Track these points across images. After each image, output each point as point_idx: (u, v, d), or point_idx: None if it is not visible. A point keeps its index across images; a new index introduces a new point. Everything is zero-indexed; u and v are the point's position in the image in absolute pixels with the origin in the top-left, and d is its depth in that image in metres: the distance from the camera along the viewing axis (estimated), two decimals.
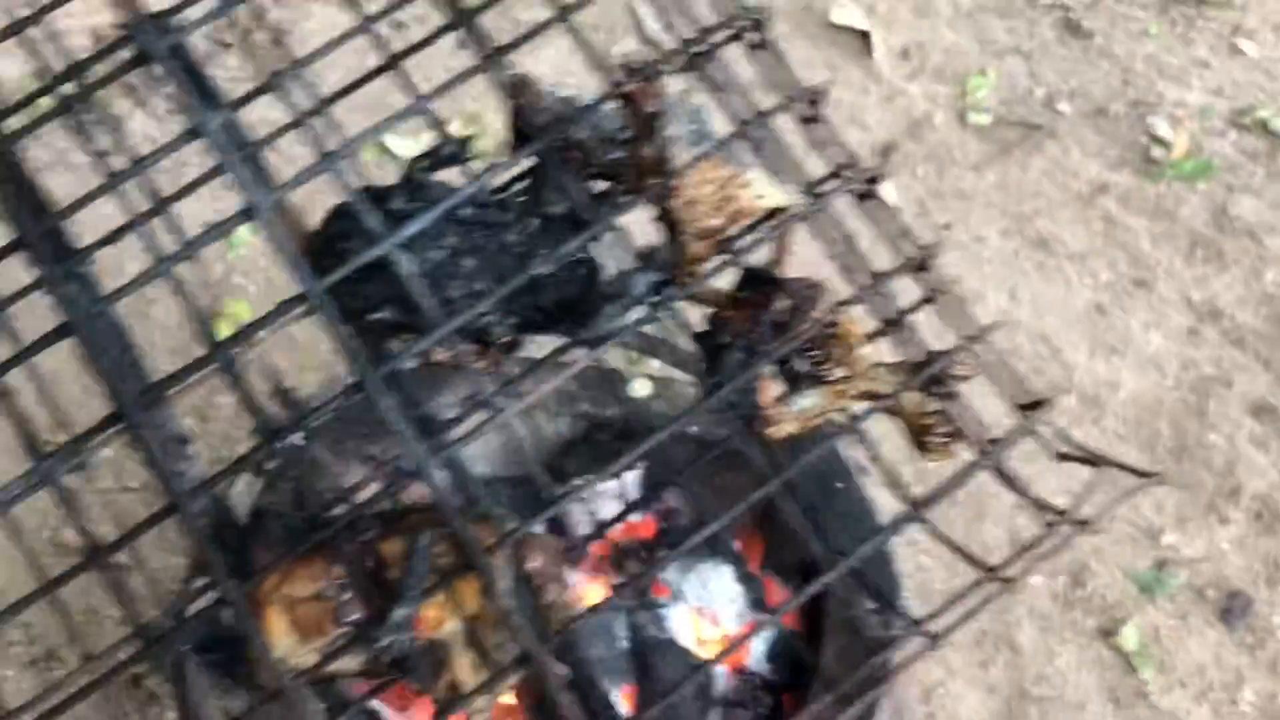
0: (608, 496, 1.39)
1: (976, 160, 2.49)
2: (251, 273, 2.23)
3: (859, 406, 0.81)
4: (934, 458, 0.81)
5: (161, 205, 0.69)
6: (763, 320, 0.74)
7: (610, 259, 0.72)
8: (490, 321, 0.67)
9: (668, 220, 0.73)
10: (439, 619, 0.72)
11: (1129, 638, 1.84)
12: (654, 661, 1.28)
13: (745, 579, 1.34)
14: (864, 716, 1.20)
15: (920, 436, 0.81)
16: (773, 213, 0.74)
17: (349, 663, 0.70)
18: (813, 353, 0.77)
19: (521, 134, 0.70)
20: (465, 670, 0.70)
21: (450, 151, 0.70)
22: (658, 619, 1.28)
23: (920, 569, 1.89)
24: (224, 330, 2.36)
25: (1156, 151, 2.49)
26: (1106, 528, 1.76)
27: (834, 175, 0.83)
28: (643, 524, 1.44)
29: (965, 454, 0.85)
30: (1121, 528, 1.97)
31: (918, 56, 2.57)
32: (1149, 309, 2.27)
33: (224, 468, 0.67)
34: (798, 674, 1.33)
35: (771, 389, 0.76)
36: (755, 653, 1.35)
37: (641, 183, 0.70)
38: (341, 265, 0.63)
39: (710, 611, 1.33)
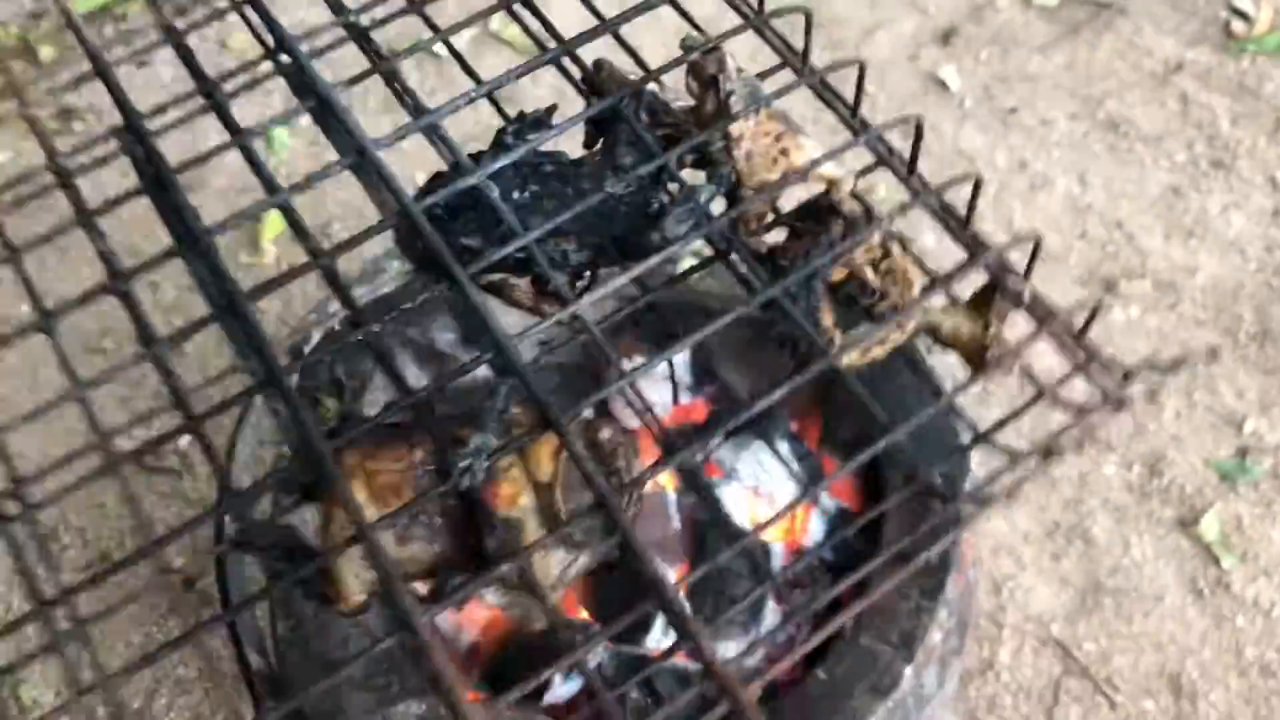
0: (656, 379, 1.33)
1: (1043, 41, 2.37)
2: (293, 177, 2.18)
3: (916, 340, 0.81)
4: (990, 377, 0.78)
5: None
6: (821, 243, 0.75)
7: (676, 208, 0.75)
8: (567, 249, 0.72)
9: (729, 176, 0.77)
10: (513, 494, 0.71)
11: (1209, 527, 1.76)
12: (707, 541, 1.22)
13: (802, 457, 1.27)
14: (932, 590, 1.14)
15: (976, 359, 0.79)
16: (827, 183, 0.77)
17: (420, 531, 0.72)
18: (869, 290, 0.78)
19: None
20: (538, 541, 0.70)
21: (535, 118, 0.76)
22: (711, 499, 1.22)
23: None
24: (268, 235, 2.28)
25: (1237, 25, 2.35)
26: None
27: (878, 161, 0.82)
28: (694, 407, 1.38)
29: (1023, 326, 0.78)
30: (1202, 416, 1.88)
31: None
32: (1228, 190, 2.15)
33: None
34: (860, 557, 1.27)
35: (831, 314, 0.76)
36: (814, 533, 1.29)
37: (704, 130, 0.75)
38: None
39: (766, 491, 1.27)
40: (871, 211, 0.77)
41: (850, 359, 0.75)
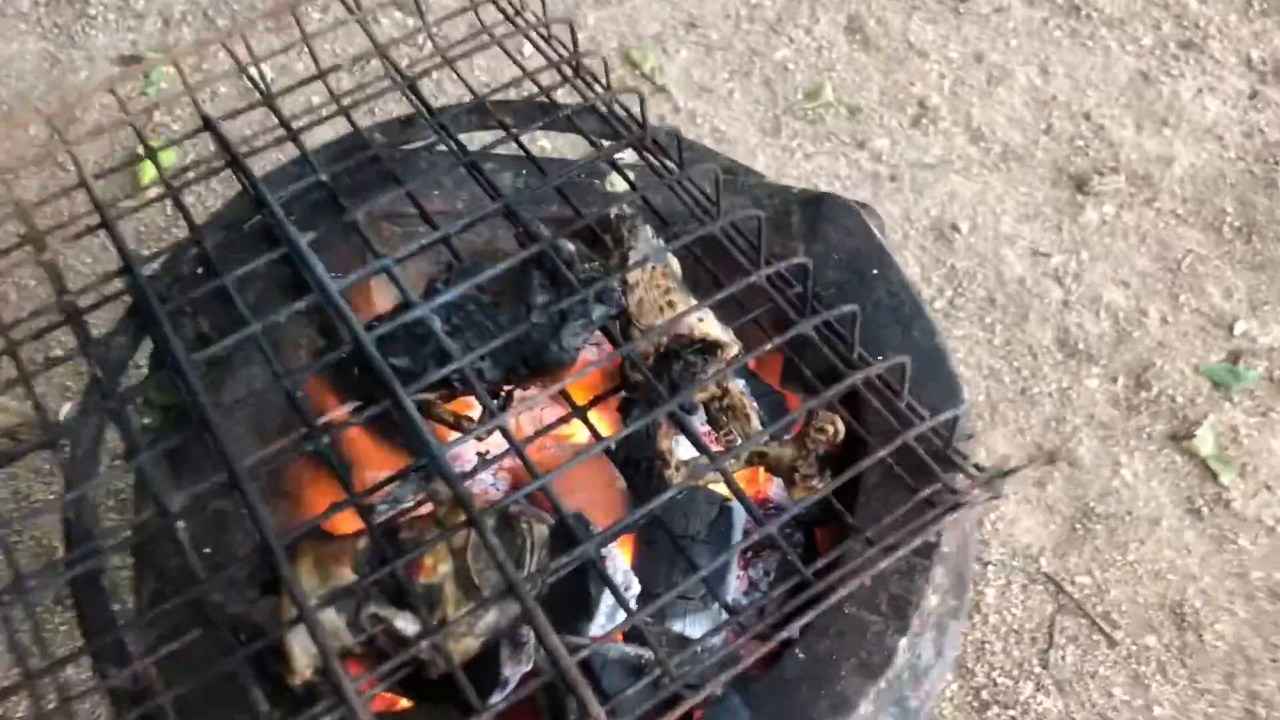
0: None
1: None
2: (174, 110, 1.94)
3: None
4: (798, 493, 0.90)
5: None
6: (662, 382, 0.89)
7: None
8: (483, 368, 0.86)
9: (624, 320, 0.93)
10: (433, 564, 0.82)
11: (1204, 441, 1.61)
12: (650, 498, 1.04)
13: (762, 394, 1.09)
14: (925, 546, 0.97)
15: (788, 478, 0.92)
16: (709, 344, 0.90)
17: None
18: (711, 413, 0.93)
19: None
20: (453, 605, 0.81)
21: (463, 267, 0.91)
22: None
23: None
24: (147, 176, 1.99)
25: None
26: None
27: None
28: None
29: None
30: (1189, 319, 1.72)
31: None
32: (1201, 73, 1.98)
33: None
34: (832, 509, 1.10)
35: (668, 440, 0.92)
36: (780, 488, 1.11)
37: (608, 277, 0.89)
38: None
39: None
40: (709, 343, 0.89)
41: (680, 479, 0.87)
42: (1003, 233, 1.80)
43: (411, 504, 0.84)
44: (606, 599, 0.97)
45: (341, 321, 0.82)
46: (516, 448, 0.83)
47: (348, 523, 0.85)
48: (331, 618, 0.80)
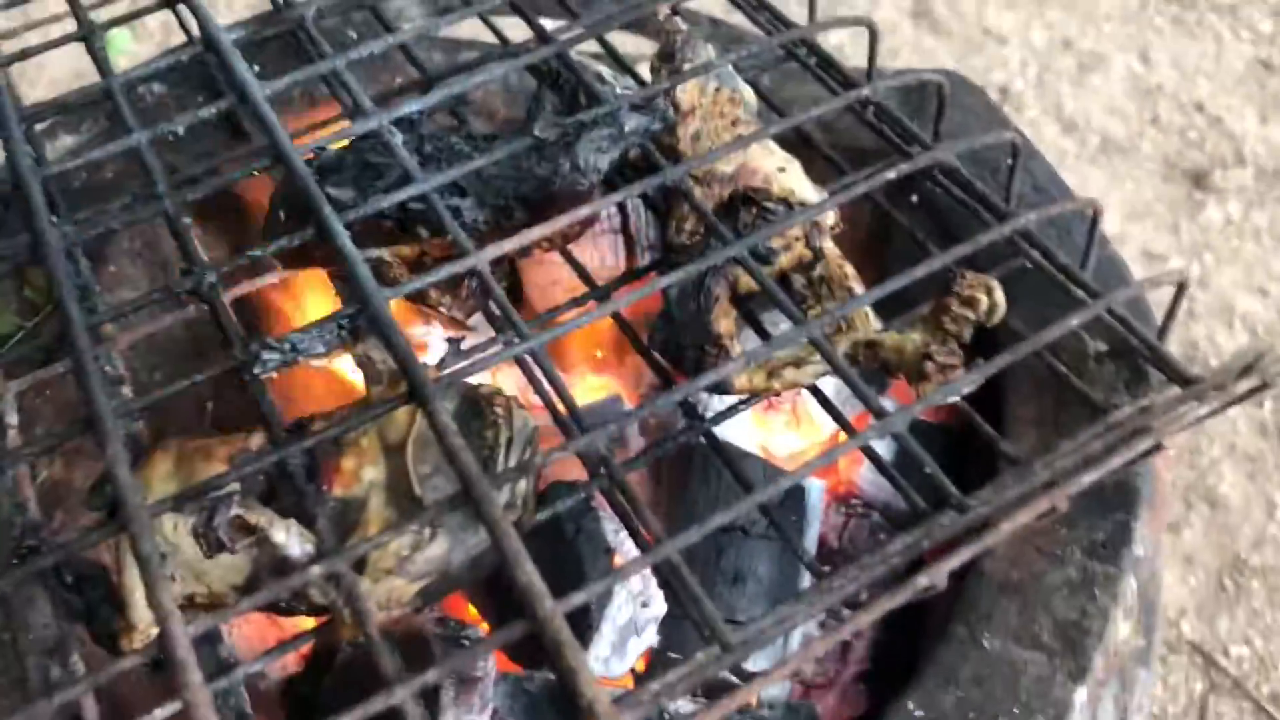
0: (602, 231, 0.83)
1: None
2: None
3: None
4: (928, 387, 0.54)
5: None
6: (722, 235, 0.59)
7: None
8: (460, 205, 0.61)
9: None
10: (355, 468, 0.54)
11: None
12: (685, 475, 0.71)
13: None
14: (1112, 542, 0.64)
15: (918, 373, 0.55)
16: (787, 201, 0.61)
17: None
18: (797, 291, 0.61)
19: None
20: (379, 530, 0.51)
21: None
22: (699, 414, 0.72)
23: None
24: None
25: None
26: None
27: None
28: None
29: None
30: None
31: None
32: None
33: None
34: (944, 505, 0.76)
35: (728, 321, 0.60)
36: (871, 471, 0.78)
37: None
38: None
39: (785, 397, 0.76)
40: (792, 203, 0.61)
41: (748, 380, 0.58)
42: (1108, 232, 1.49)
43: (322, 352, 0.53)
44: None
45: (262, 130, 0.59)
46: (500, 302, 0.55)
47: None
48: (187, 538, 0.50)
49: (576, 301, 0.67)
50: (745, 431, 0.76)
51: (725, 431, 0.74)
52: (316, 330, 0.52)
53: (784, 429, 0.78)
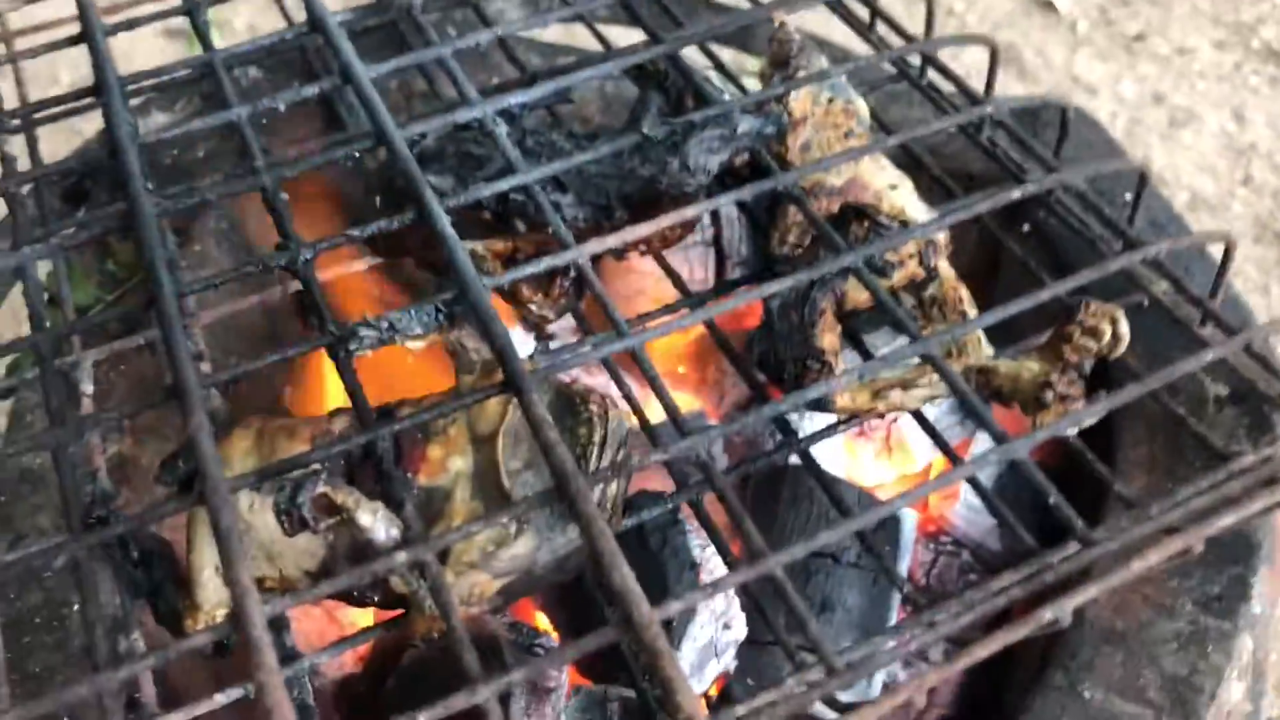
0: (693, 244, 0.81)
1: None
2: None
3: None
4: (1046, 418, 0.52)
5: None
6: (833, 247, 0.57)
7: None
8: (561, 200, 0.60)
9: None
10: (443, 457, 0.52)
11: None
12: (773, 497, 0.68)
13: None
14: (1228, 596, 0.60)
15: (1036, 403, 0.53)
16: (899, 220, 0.59)
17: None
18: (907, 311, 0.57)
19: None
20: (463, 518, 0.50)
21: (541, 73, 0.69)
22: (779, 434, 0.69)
23: None
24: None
25: None
26: None
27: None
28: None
29: None
30: None
31: None
32: None
33: None
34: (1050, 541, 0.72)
35: (833, 336, 0.58)
36: (967, 507, 0.75)
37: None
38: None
39: (885, 429, 0.73)
40: (904, 222, 0.59)
41: (851, 399, 0.55)
42: None
43: (419, 334, 0.51)
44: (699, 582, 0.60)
45: (367, 112, 0.57)
46: (600, 296, 0.52)
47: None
48: (263, 517, 0.48)
49: (668, 309, 0.65)
50: (833, 457, 0.73)
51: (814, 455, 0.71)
52: (414, 311, 0.50)
53: (874, 458, 0.75)
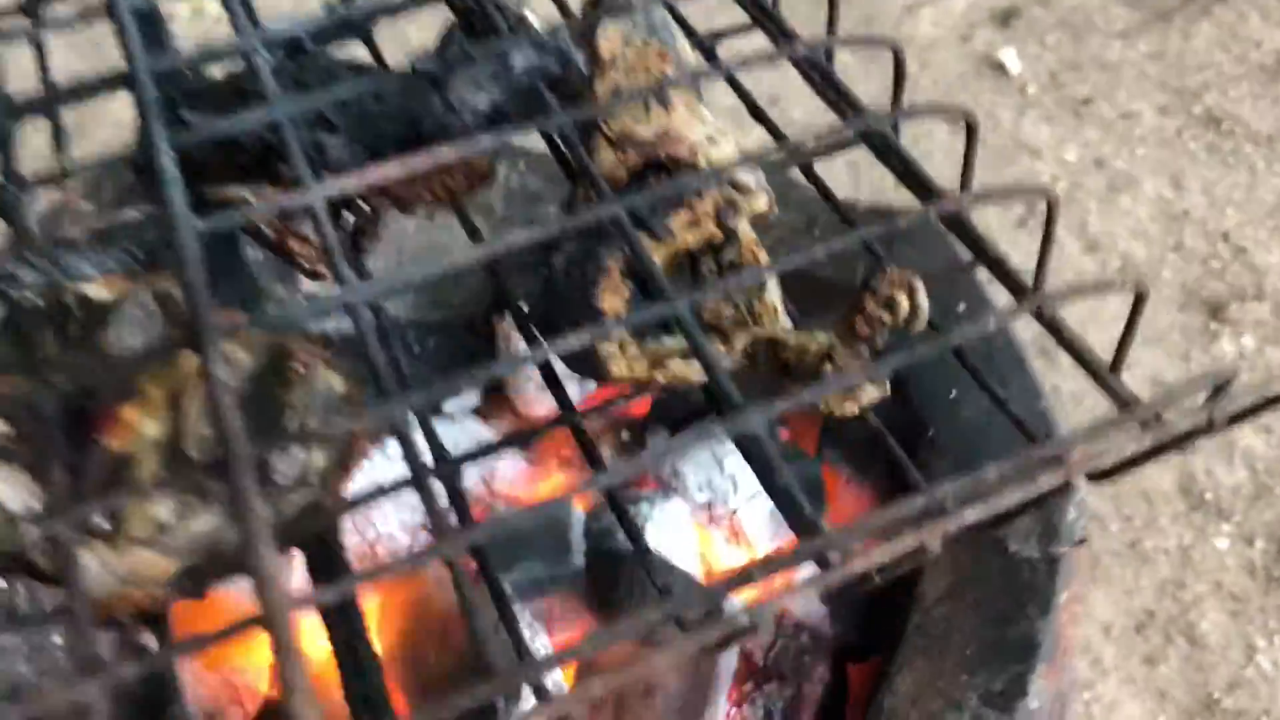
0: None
1: (1123, 27, 1.93)
2: None
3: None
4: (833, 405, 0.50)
5: None
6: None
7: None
8: (325, 140, 0.53)
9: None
10: (136, 418, 0.47)
11: None
12: (620, 591, 0.74)
13: (791, 458, 0.80)
14: (1006, 693, 0.65)
15: (813, 377, 0.51)
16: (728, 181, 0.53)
17: None
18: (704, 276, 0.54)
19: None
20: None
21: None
22: (635, 524, 0.75)
23: None
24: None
25: None
26: None
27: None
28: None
29: None
30: None
31: None
32: None
33: None
34: (874, 633, 0.80)
35: (616, 298, 0.51)
36: (807, 598, 0.80)
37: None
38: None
39: (724, 512, 0.79)
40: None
41: (629, 367, 0.52)
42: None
43: (90, 275, 0.48)
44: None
45: (120, 37, 0.50)
46: (330, 243, 0.44)
47: None
48: None
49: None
50: (685, 541, 0.79)
51: (663, 540, 0.78)
52: (92, 254, 0.47)
53: (724, 544, 0.81)
